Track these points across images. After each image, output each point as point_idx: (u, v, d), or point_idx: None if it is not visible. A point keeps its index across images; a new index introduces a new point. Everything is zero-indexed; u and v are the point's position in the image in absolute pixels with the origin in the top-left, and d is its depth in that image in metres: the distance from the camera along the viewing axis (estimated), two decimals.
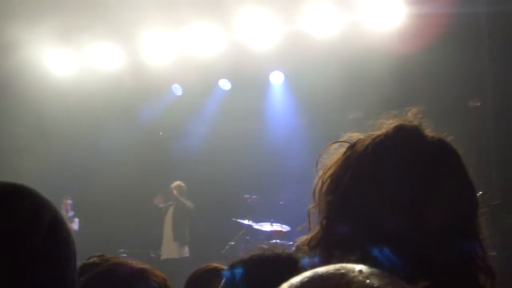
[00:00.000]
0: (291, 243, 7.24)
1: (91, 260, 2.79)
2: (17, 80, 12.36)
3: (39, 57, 12.36)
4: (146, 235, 11.68)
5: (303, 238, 1.39)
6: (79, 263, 2.25)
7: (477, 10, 9.72)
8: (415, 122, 1.39)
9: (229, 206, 11.36)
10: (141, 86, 12.44)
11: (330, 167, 1.38)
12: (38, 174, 11.82)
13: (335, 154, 1.40)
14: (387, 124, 1.38)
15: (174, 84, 12.79)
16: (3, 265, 1.13)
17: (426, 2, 9.90)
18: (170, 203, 11.40)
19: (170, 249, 11.18)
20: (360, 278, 0.62)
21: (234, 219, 10.72)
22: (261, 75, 12.25)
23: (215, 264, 3.41)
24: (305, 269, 0.70)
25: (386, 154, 1.32)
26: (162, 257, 11.21)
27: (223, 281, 1.89)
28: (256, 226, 10.48)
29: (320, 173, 1.39)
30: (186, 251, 11.20)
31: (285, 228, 10.17)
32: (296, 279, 0.65)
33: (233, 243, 10.72)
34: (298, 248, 1.36)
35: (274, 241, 9.97)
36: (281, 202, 10.48)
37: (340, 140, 1.43)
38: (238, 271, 1.87)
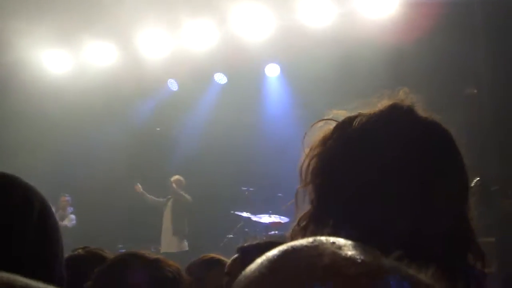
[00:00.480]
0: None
1: (75, 253, 2.80)
2: (13, 78, 12.35)
3: (34, 55, 12.36)
4: (144, 230, 11.69)
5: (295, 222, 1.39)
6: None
7: None
8: (407, 102, 1.38)
9: (227, 199, 11.38)
10: (137, 82, 12.42)
11: (317, 146, 1.36)
12: (35, 171, 11.81)
13: (321, 132, 1.39)
14: (380, 104, 1.36)
15: (170, 79, 12.78)
16: (2, 253, 1.14)
17: None
18: (169, 197, 11.40)
19: (169, 243, 11.18)
20: (333, 249, 0.62)
21: (232, 211, 10.74)
22: (256, 68, 12.24)
23: (212, 254, 3.43)
24: None
25: (377, 135, 1.30)
26: (162, 251, 11.23)
27: None
28: (254, 218, 10.50)
29: (307, 151, 1.38)
30: (185, 245, 11.20)
31: (283, 219, 10.19)
32: (270, 252, 0.65)
33: (231, 235, 10.74)
34: (292, 235, 1.35)
35: (273, 232, 10.00)
36: (279, 194, 10.49)
37: (326, 118, 1.41)
38: None
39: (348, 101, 1.45)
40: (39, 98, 12.48)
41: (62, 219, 11.68)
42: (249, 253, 2.17)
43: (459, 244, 1.24)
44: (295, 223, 1.36)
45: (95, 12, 10.75)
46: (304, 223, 1.32)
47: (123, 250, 11.02)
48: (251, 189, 11.14)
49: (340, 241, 0.64)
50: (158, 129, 12.76)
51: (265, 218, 10.43)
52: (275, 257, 0.64)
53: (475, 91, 10.20)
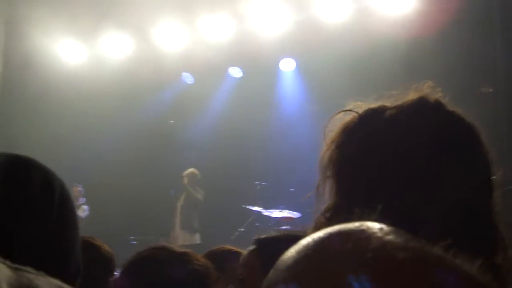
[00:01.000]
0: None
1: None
2: (28, 68, 12.41)
3: (50, 45, 12.42)
4: (156, 222, 11.72)
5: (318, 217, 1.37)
6: None
7: None
8: (434, 96, 1.37)
9: (239, 193, 11.38)
10: (152, 74, 12.44)
11: (338, 137, 1.34)
12: (48, 161, 11.86)
13: (341, 123, 1.37)
14: (407, 96, 1.35)
15: (185, 73, 12.79)
16: (25, 235, 1.14)
17: None
18: (182, 191, 11.43)
19: (179, 236, 11.21)
20: (380, 234, 0.61)
21: (243, 205, 10.74)
22: (272, 62, 12.22)
23: (229, 246, 3.43)
24: None
25: (406, 126, 1.29)
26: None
27: None
28: (265, 212, 10.50)
29: (327, 143, 1.37)
30: (197, 238, 11.22)
31: (295, 214, 10.18)
32: (316, 234, 0.65)
33: (242, 229, 10.75)
34: (316, 226, 1.34)
35: (284, 227, 9.99)
36: (291, 189, 10.47)
37: (345, 109, 1.40)
38: None
39: (363, 96, 1.43)
40: (53, 88, 12.53)
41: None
42: (267, 245, 2.17)
43: (487, 236, 1.23)
44: (319, 214, 1.34)
45: (112, 4, 10.78)
46: (329, 214, 1.31)
47: (135, 242, 11.11)
48: (263, 183, 11.13)
49: (387, 227, 0.63)
50: (172, 122, 12.77)
51: (276, 213, 10.42)
52: (321, 238, 0.64)
53: (491, 90, 10.13)
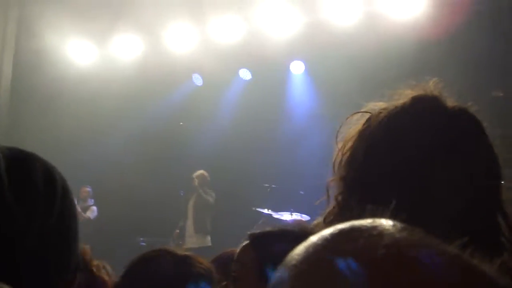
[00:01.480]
0: None
1: None
2: (37, 67, 12.46)
3: (60, 45, 12.46)
4: (165, 224, 11.73)
5: (320, 216, 1.37)
6: None
7: None
8: (436, 92, 1.35)
9: (248, 195, 11.36)
10: (162, 76, 12.45)
11: (350, 139, 1.35)
12: (57, 161, 11.91)
13: (356, 125, 1.37)
14: (405, 95, 1.34)
15: (194, 74, 12.80)
16: (26, 226, 1.13)
17: None
18: (192, 192, 11.43)
19: (191, 239, 11.21)
20: (393, 230, 0.60)
21: (253, 208, 10.73)
22: (281, 64, 12.20)
23: (237, 250, 3.40)
24: None
25: (402, 126, 1.28)
26: (184, 247, 11.25)
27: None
28: (275, 215, 10.48)
29: (340, 145, 1.36)
30: (208, 241, 11.21)
31: (304, 217, 10.16)
32: (326, 230, 0.63)
33: None
34: (316, 224, 1.34)
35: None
36: (301, 192, 10.45)
37: (361, 111, 1.39)
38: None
39: (372, 100, 1.43)
40: (63, 88, 12.57)
41: (84, 210, 11.74)
42: (260, 241, 2.11)
43: (495, 239, 1.21)
44: (321, 218, 1.34)
45: (122, 5, 10.81)
46: (330, 219, 1.30)
47: (144, 244, 11.12)
48: (273, 186, 11.12)
49: (401, 224, 0.62)
50: (181, 123, 12.78)
51: (286, 216, 10.40)
52: (331, 234, 0.62)
53: (502, 94, 10.08)
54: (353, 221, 0.63)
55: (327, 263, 0.59)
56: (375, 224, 0.62)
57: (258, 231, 2.16)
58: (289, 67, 12.35)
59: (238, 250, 2.26)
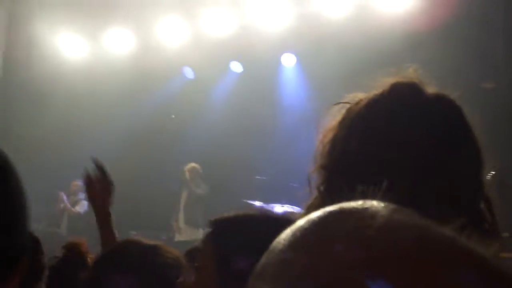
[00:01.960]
0: None
1: (57, 258, 2.81)
2: (26, 61, 12.40)
3: (52, 40, 12.40)
4: (156, 217, 11.71)
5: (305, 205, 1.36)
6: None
7: None
8: (415, 79, 1.35)
9: (240, 188, 11.36)
10: (152, 69, 12.41)
11: (330, 130, 1.34)
12: (49, 156, 11.89)
13: (337, 116, 1.37)
14: (384, 83, 1.34)
15: (186, 67, 12.77)
16: None
17: None
18: (184, 185, 11.42)
19: (182, 232, 11.21)
20: (385, 212, 0.57)
21: (244, 200, 10.73)
22: (273, 57, 12.19)
23: None
24: None
25: (379, 113, 1.28)
26: (176, 239, 11.25)
27: None
28: (267, 207, 10.48)
29: (320, 136, 1.36)
30: (199, 233, 11.19)
31: (296, 209, 10.16)
32: (314, 214, 0.60)
33: None
34: (300, 216, 1.33)
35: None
36: (293, 184, 10.46)
37: (342, 101, 1.39)
38: None
39: (364, 92, 1.43)
40: (54, 82, 12.52)
41: (74, 204, 11.71)
42: (220, 228, 1.91)
43: (478, 225, 1.20)
44: (304, 209, 1.34)
45: None
46: (312, 210, 1.30)
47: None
48: (264, 178, 11.12)
49: (392, 205, 0.59)
50: (172, 116, 12.75)
51: (277, 208, 10.40)
52: (319, 218, 0.59)
53: (492, 85, 10.11)
54: (344, 204, 0.60)
55: (315, 249, 0.57)
56: (366, 205, 0.59)
57: (220, 217, 2.00)
58: (280, 59, 12.34)
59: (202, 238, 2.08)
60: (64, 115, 12.53)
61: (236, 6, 11.31)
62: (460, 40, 9.54)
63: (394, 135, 1.23)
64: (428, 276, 0.52)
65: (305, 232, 0.59)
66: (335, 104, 1.39)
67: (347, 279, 0.53)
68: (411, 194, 1.15)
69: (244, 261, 1.63)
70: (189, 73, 12.83)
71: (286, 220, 1.34)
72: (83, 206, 11.72)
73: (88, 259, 2.75)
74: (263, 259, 0.60)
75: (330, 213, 0.60)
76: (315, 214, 0.60)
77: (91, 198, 3.16)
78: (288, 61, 12.36)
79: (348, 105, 1.36)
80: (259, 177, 11.09)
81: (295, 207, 10.20)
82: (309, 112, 10.94)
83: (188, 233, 11.09)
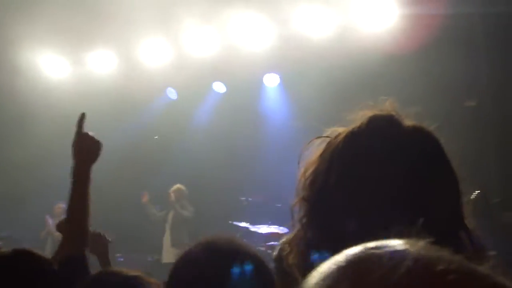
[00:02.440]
0: None
1: None
2: (8, 83, 12.32)
3: (32, 61, 12.34)
4: (143, 239, 11.64)
5: (288, 237, 1.37)
6: None
7: (472, 11, 9.69)
8: (392, 112, 1.36)
9: (225, 209, 11.33)
10: (135, 90, 12.38)
11: (311, 164, 1.35)
12: (31, 179, 11.79)
13: (318, 150, 1.37)
14: (362, 116, 1.35)
15: (169, 88, 12.76)
16: None
17: (420, 3, 9.88)
18: (170, 207, 11.37)
19: (169, 254, 11.14)
20: (417, 248, 0.58)
21: (230, 221, 10.69)
22: (256, 77, 12.22)
23: None
24: (312, 265, 0.65)
25: (357, 146, 1.29)
26: (163, 261, 11.18)
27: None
28: (253, 228, 10.45)
29: (302, 170, 1.36)
30: None
31: (282, 230, 10.14)
32: (349, 251, 0.61)
33: None
34: (282, 248, 1.34)
35: (271, 243, 9.95)
36: (278, 205, 10.45)
37: (323, 136, 1.40)
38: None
39: (347, 112, 1.44)
40: (36, 103, 12.44)
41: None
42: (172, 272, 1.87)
43: (460, 247, 1.20)
44: (286, 243, 1.34)
45: (94, 19, 10.74)
46: (296, 242, 1.31)
47: (122, 259, 11.01)
48: (249, 199, 11.10)
49: (424, 242, 0.60)
50: (156, 137, 12.71)
51: (263, 229, 10.38)
52: (356, 255, 0.60)
53: (475, 104, 10.19)
54: (376, 242, 0.61)
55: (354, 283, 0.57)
56: (403, 245, 0.60)
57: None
58: (263, 80, 12.37)
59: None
60: (46, 136, 12.43)
61: (218, 27, 11.34)
62: (442, 60, 9.61)
63: (371, 169, 1.25)
64: None
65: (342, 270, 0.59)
66: (315, 138, 1.40)
67: None
68: (386, 227, 1.15)
69: None
70: (172, 94, 12.82)
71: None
72: None
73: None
74: None
75: (366, 252, 0.60)
76: (350, 251, 0.60)
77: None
78: (271, 81, 12.39)
79: (328, 139, 1.37)
80: (243, 198, 11.06)
81: (281, 227, 10.18)
82: (293, 131, 10.96)
83: (175, 254, 11.00)
